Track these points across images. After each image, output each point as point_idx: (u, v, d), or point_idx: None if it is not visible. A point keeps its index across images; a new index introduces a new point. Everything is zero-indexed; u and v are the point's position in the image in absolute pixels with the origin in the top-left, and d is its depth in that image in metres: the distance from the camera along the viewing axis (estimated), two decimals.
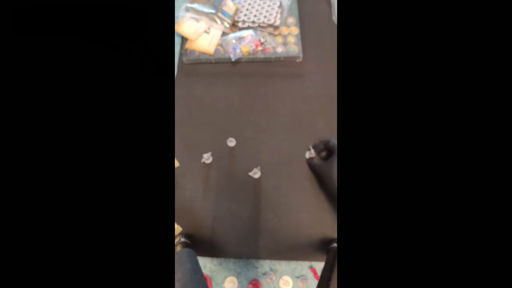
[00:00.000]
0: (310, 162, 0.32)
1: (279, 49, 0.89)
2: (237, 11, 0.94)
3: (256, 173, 0.71)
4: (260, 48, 0.88)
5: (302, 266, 0.66)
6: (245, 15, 0.94)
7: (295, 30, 0.93)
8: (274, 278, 0.65)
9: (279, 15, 0.93)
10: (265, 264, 0.67)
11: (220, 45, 0.90)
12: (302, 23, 0.94)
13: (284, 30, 0.93)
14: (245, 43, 0.87)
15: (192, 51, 0.90)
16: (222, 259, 0.67)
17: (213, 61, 0.89)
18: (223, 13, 0.91)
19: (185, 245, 0.65)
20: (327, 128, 0.75)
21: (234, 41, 0.89)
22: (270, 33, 0.92)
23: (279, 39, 0.91)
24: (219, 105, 0.83)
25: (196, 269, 0.53)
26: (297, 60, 0.89)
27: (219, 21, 0.91)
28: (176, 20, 0.93)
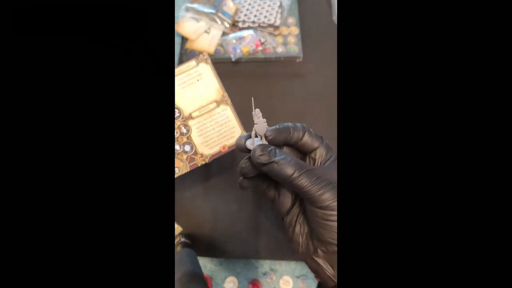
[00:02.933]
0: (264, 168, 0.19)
1: (279, 49, 0.89)
2: (237, 11, 0.94)
3: None
4: (260, 48, 0.88)
5: (302, 266, 0.66)
6: (245, 15, 0.94)
7: (295, 30, 0.93)
8: (274, 278, 0.65)
9: (279, 15, 0.93)
10: (265, 264, 0.67)
11: (220, 45, 0.90)
12: (302, 23, 0.94)
13: (284, 30, 0.93)
14: (245, 43, 0.87)
15: (192, 51, 0.90)
16: (222, 259, 0.67)
17: (213, 61, 0.89)
18: (223, 13, 0.91)
19: (185, 245, 0.65)
20: (327, 128, 0.75)
21: (234, 41, 0.89)
22: (270, 33, 0.92)
23: (279, 39, 0.91)
24: None
25: (196, 269, 0.53)
26: (297, 60, 0.89)
27: (219, 21, 0.91)
28: (176, 20, 0.93)
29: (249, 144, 0.21)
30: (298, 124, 0.22)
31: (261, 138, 0.21)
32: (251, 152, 0.20)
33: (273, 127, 0.21)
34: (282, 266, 0.66)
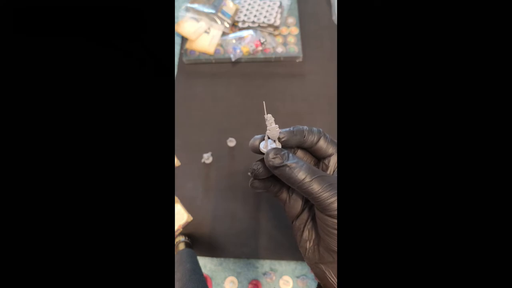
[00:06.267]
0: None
1: (279, 49, 0.89)
2: (237, 11, 0.94)
3: None
4: (260, 48, 0.88)
5: (302, 266, 0.66)
6: (245, 15, 0.94)
7: (295, 30, 0.93)
8: (274, 278, 0.65)
9: (279, 15, 0.93)
10: (265, 264, 0.67)
11: (220, 45, 0.90)
12: (302, 23, 0.94)
13: (284, 30, 0.93)
14: (245, 43, 0.87)
15: (192, 51, 0.90)
16: (222, 259, 0.67)
17: (213, 61, 0.89)
18: (223, 13, 0.91)
19: (185, 245, 0.65)
20: (327, 128, 0.75)
21: (234, 41, 0.89)
22: (270, 33, 0.92)
23: (279, 39, 0.91)
24: (219, 105, 0.83)
25: (196, 269, 0.54)
26: (297, 60, 0.89)
27: (219, 21, 0.91)
28: (176, 20, 0.93)
29: (263, 147, 0.21)
30: (314, 128, 0.22)
31: (274, 141, 0.21)
32: (265, 155, 0.20)
33: (287, 129, 0.21)
34: (282, 266, 0.66)
